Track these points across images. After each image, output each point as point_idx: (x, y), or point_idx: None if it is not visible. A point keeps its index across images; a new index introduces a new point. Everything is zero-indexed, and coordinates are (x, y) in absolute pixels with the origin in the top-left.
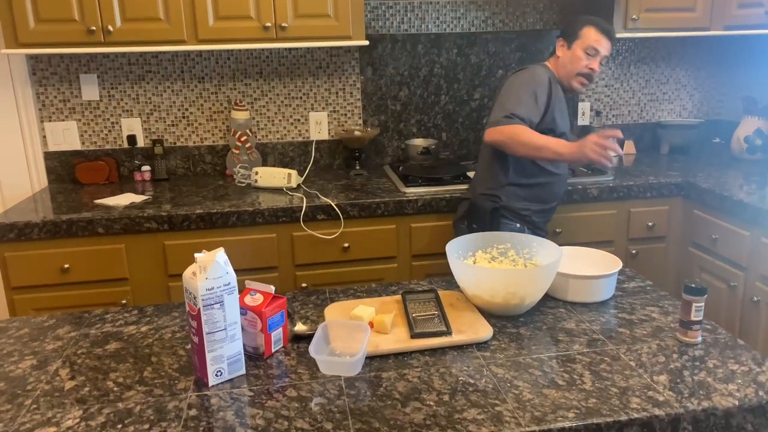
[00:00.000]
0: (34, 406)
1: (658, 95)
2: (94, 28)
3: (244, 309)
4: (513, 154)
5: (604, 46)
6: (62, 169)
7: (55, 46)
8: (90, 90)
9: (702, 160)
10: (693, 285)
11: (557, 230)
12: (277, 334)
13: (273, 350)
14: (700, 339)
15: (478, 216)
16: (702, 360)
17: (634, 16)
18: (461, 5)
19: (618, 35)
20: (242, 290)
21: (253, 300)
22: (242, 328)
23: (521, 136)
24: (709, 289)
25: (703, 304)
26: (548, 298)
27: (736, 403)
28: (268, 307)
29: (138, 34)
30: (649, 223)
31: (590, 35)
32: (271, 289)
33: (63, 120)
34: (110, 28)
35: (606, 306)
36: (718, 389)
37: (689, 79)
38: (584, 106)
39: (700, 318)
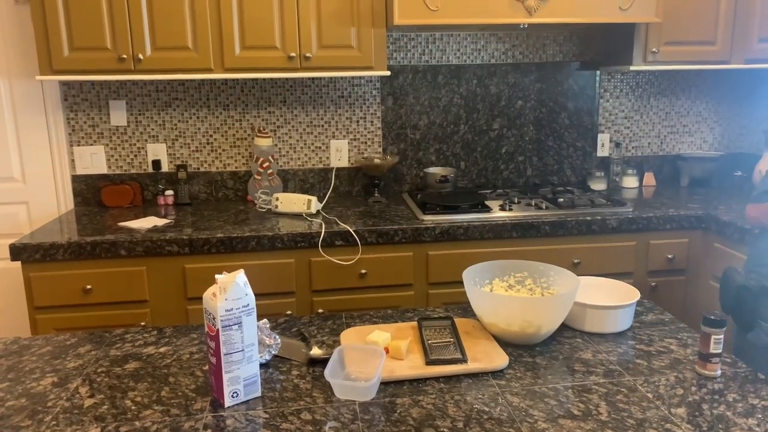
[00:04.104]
0: (54, 422)
1: (678, 127)
2: (125, 56)
3: None
4: None
5: None
6: (88, 192)
7: (88, 73)
8: (118, 116)
9: (723, 192)
10: (712, 317)
11: (575, 261)
12: None
13: None
14: (719, 372)
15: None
16: (721, 393)
17: (654, 49)
18: (482, 37)
19: (638, 68)
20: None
21: None
22: None
23: None
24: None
25: (722, 336)
26: (565, 328)
27: None
28: None
29: (167, 62)
30: (669, 256)
31: None
32: None
33: (91, 144)
34: (140, 56)
35: (623, 337)
36: (738, 423)
37: (710, 112)
38: (603, 138)
39: (720, 351)
